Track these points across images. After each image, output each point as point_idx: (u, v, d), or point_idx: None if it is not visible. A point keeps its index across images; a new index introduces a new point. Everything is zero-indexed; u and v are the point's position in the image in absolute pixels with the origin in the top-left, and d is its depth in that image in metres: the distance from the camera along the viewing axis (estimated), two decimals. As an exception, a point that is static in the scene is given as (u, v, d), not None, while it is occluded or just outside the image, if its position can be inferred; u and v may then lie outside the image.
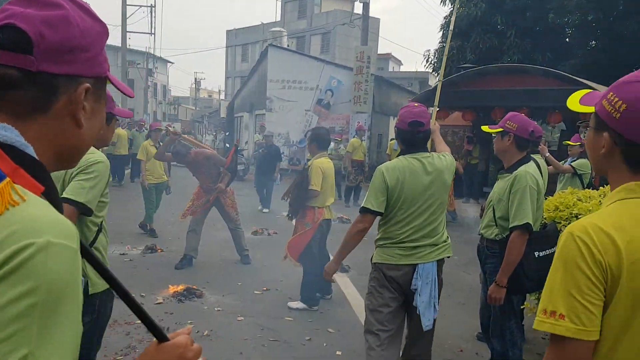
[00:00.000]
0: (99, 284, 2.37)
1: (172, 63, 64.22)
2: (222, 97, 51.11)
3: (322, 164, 5.08)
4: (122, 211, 9.65)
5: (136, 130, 14.79)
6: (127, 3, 26.00)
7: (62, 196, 2.25)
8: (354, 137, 13.37)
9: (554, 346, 1.17)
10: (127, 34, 27.60)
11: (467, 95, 11.25)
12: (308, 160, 5.83)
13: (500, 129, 3.44)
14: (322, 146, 5.14)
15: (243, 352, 4.09)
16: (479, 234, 3.70)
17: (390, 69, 41.80)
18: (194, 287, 5.43)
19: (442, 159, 3.13)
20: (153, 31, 33.12)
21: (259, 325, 4.65)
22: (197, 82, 65.44)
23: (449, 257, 3.16)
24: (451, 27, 5.58)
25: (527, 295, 3.66)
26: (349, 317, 5.02)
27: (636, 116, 1.17)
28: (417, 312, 2.99)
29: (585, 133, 7.19)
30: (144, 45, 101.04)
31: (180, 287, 5.40)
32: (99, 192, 2.34)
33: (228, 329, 4.52)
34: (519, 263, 3.19)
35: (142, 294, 5.26)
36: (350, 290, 5.85)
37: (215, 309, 5.00)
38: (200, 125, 46.54)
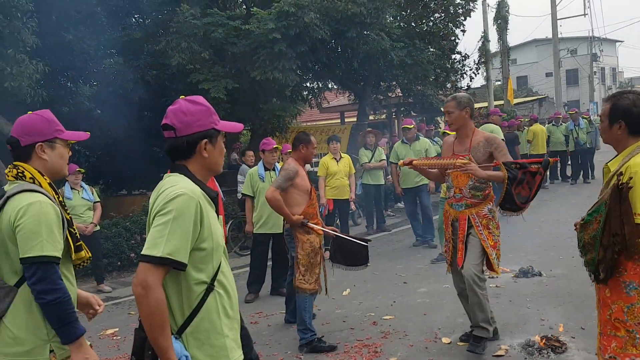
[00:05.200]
0: None
1: (621, 42, 55.96)
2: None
3: None
4: (529, 221, 6.46)
5: (553, 124, 13.27)
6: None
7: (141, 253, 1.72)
8: None
9: None
10: (557, 22, 25.75)
11: None
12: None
13: None
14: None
15: None
16: None
17: None
18: (557, 336, 3.96)
19: None
20: (587, 11, 29.86)
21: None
22: (656, 55, 55.04)
23: None
24: None
25: None
26: None
27: None
28: None
29: None
30: (585, 29, 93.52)
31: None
32: (186, 237, 1.71)
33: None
34: None
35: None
36: None
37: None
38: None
